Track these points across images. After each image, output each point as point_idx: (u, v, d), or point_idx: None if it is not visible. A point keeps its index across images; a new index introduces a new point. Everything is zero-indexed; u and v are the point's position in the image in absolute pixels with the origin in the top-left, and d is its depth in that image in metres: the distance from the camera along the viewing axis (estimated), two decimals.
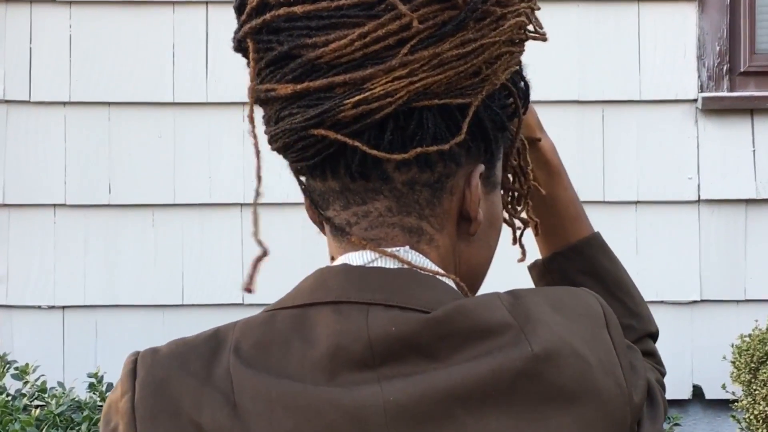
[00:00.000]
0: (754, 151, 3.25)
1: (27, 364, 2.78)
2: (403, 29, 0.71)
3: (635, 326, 1.00)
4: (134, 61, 3.23)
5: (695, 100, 3.25)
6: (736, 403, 2.93)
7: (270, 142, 0.78)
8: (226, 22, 3.05)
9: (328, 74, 0.72)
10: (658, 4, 3.27)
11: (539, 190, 0.99)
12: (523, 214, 0.98)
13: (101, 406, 2.63)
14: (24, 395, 2.69)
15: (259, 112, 0.78)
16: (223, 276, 3.22)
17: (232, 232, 3.22)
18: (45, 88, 3.23)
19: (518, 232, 0.99)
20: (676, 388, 3.18)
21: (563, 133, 3.11)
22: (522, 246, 0.99)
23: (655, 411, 0.82)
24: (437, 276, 0.77)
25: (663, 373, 0.98)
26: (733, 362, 2.93)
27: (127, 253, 3.23)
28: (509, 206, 0.96)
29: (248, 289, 0.76)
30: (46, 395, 2.68)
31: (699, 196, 3.24)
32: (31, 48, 3.24)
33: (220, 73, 3.23)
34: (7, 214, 3.23)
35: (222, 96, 3.20)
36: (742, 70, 3.26)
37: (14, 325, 3.22)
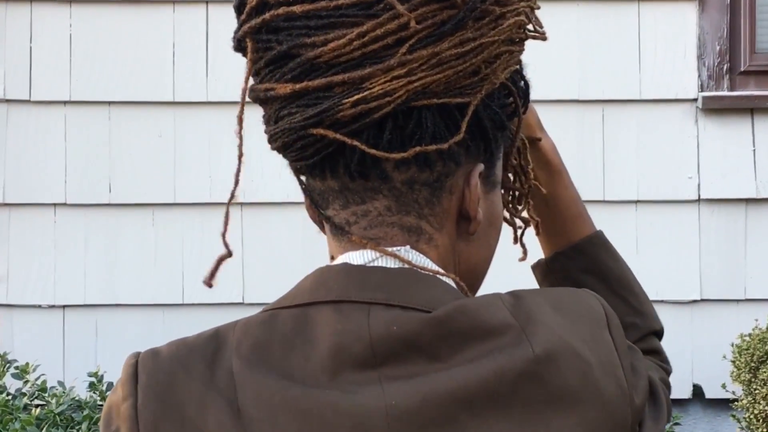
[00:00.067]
0: (754, 150, 3.25)
1: (27, 364, 2.78)
2: (402, 29, 0.71)
3: (639, 324, 1.00)
4: (134, 60, 3.23)
5: (695, 100, 3.24)
6: (736, 403, 2.93)
7: (269, 141, 0.78)
8: (226, 21, 3.05)
9: (327, 73, 0.72)
10: (659, 3, 3.27)
11: (540, 189, 0.99)
12: (524, 214, 0.98)
13: (101, 405, 2.63)
14: (24, 394, 2.69)
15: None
16: (223, 275, 3.20)
17: (232, 232, 3.21)
18: (45, 88, 3.22)
19: (519, 232, 0.99)
20: (676, 387, 3.14)
21: (563, 133, 3.11)
22: (523, 245, 0.99)
23: (658, 411, 0.81)
24: (437, 275, 0.76)
25: (668, 371, 0.98)
26: (733, 361, 2.93)
27: (127, 253, 3.23)
28: (510, 205, 0.96)
29: (208, 284, 0.77)
30: (47, 394, 2.68)
31: (699, 196, 3.24)
32: (31, 47, 3.24)
33: (220, 72, 3.22)
34: (7, 214, 3.23)
35: (222, 95, 3.20)
36: (742, 69, 3.26)
37: (14, 325, 3.22)
